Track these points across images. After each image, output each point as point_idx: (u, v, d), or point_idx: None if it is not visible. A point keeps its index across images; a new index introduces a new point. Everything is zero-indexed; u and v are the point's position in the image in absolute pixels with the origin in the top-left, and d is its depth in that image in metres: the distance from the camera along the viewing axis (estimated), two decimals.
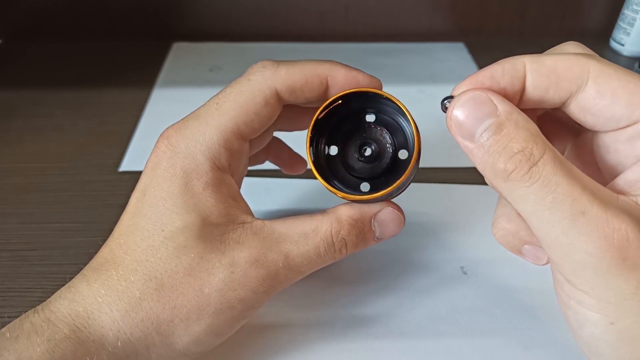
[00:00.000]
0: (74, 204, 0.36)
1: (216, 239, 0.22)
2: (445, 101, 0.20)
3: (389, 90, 0.23)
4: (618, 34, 0.56)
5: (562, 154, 0.23)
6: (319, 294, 0.26)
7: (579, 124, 0.21)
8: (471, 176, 0.36)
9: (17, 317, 0.21)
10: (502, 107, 0.19)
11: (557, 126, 0.24)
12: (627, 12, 0.55)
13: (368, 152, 0.24)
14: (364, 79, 0.24)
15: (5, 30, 0.58)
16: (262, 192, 0.36)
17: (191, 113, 0.23)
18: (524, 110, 0.19)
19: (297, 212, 0.34)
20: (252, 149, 0.26)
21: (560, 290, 0.20)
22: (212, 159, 0.22)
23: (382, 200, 0.24)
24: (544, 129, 0.19)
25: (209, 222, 0.22)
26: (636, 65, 0.52)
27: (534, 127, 0.18)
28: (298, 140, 0.30)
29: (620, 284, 0.17)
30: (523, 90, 0.20)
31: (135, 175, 0.23)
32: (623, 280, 0.17)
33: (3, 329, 0.20)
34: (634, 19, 0.54)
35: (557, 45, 0.22)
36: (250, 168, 0.28)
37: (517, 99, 0.20)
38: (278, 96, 0.23)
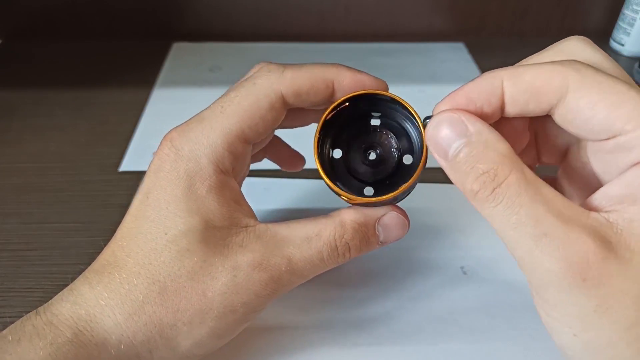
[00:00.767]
0: (74, 204, 0.36)
1: (219, 243, 0.22)
2: (426, 120, 0.21)
3: (389, 90, 0.23)
4: (618, 34, 0.56)
5: (566, 154, 0.23)
6: (319, 295, 0.26)
7: None
8: None
9: (17, 317, 0.21)
10: (473, 127, 0.19)
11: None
12: (627, 12, 0.55)
13: (372, 156, 0.24)
14: (370, 81, 0.23)
15: (5, 30, 0.58)
16: (262, 192, 0.36)
17: (195, 116, 0.23)
18: (512, 120, 0.19)
19: (297, 212, 0.34)
20: (253, 149, 0.26)
21: (533, 297, 0.20)
22: (215, 162, 0.22)
23: (387, 204, 0.24)
24: (547, 128, 0.19)
25: (212, 225, 0.22)
26: (636, 65, 0.52)
27: (504, 146, 0.18)
28: (296, 137, 0.30)
29: (582, 301, 0.17)
30: (503, 105, 0.20)
31: (135, 175, 0.23)
32: (584, 298, 0.17)
33: (4, 331, 0.20)
34: (634, 19, 0.54)
35: (561, 41, 0.21)
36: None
37: (497, 114, 0.20)
38: (283, 100, 0.23)
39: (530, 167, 0.22)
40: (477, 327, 0.27)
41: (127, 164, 0.40)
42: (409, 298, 0.29)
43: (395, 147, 0.24)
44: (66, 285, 0.29)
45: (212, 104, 0.23)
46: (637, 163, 0.18)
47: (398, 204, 0.24)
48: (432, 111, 0.21)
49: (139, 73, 0.52)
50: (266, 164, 0.31)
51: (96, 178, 0.38)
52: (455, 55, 0.56)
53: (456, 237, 0.33)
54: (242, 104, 0.22)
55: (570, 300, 0.17)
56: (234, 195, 0.23)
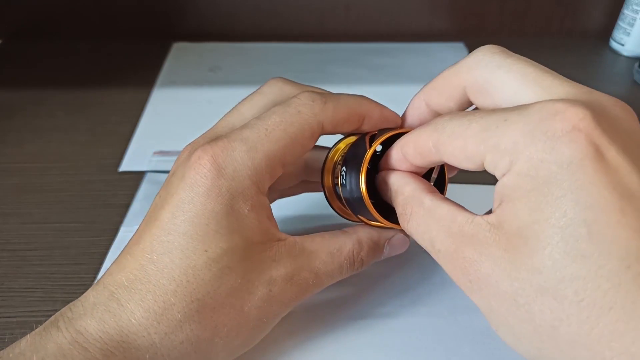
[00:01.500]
0: (74, 204, 0.36)
1: (255, 258, 0.22)
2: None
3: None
4: (618, 34, 0.56)
5: None
6: (320, 294, 0.26)
7: None
8: (471, 176, 0.36)
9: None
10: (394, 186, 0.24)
11: None
12: (627, 12, 0.55)
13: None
14: (392, 116, 0.26)
15: (5, 30, 0.58)
16: None
17: (235, 132, 0.23)
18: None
19: (299, 215, 0.34)
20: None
21: None
22: (257, 183, 0.22)
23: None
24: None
25: (251, 242, 0.22)
26: (636, 65, 0.52)
27: (408, 189, 0.23)
28: None
29: (476, 303, 0.20)
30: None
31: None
32: (476, 301, 0.20)
33: (22, 345, 0.19)
34: (634, 19, 0.54)
35: (472, 53, 0.22)
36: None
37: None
38: (322, 129, 0.24)
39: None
40: (478, 326, 0.27)
41: (127, 164, 0.40)
42: (409, 297, 0.29)
43: None
44: (66, 286, 0.29)
45: (251, 124, 0.23)
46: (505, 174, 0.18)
47: None
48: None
49: (139, 73, 0.52)
50: None
51: (96, 178, 0.38)
52: (455, 55, 0.56)
53: None
54: (287, 131, 0.22)
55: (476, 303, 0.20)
56: (268, 213, 0.23)
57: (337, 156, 0.27)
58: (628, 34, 0.55)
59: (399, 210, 0.23)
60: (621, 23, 0.56)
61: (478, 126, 0.19)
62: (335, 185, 0.26)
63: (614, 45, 0.57)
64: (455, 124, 0.20)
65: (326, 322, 0.27)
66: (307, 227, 0.33)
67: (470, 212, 0.20)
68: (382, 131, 0.25)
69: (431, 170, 0.25)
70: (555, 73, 0.20)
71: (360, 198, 0.24)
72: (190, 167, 0.22)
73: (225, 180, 0.21)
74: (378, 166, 0.25)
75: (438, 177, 0.25)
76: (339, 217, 0.28)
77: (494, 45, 0.21)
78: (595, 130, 0.16)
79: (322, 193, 0.28)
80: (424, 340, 0.26)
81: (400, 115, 0.26)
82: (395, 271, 0.30)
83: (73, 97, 0.48)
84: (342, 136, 0.27)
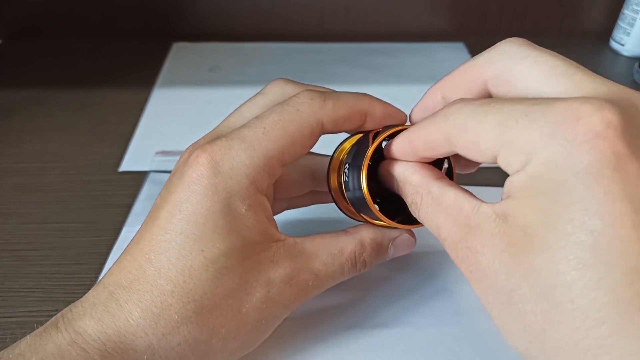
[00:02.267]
0: (74, 204, 0.36)
1: (253, 258, 0.22)
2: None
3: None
4: (618, 34, 0.56)
5: None
6: (319, 297, 0.26)
7: None
8: (473, 177, 0.36)
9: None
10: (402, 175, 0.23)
11: None
12: (627, 12, 0.55)
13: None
14: (396, 112, 0.25)
15: (5, 30, 0.58)
16: None
17: (234, 132, 0.23)
18: None
19: (302, 217, 0.34)
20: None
21: None
22: (255, 182, 0.22)
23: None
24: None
25: (249, 242, 0.22)
26: (636, 65, 0.52)
27: (416, 177, 0.22)
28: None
29: (477, 295, 0.20)
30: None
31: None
32: (477, 293, 0.19)
33: (22, 347, 0.19)
34: (634, 19, 0.54)
35: (497, 44, 0.21)
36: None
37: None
38: (322, 128, 0.23)
39: None
40: (479, 328, 0.27)
41: (127, 164, 0.40)
42: (410, 299, 0.29)
43: None
44: (66, 286, 0.29)
45: (251, 123, 0.23)
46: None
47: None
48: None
49: (139, 73, 0.52)
50: None
51: (96, 178, 0.38)
52: (455, 55, 0.56)
53: None
54: (286, 130, 0.22)
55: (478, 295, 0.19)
56: (267, 213, 0.23)
57: (342, 155, 0.26)
58: (628, 34, 0.55)
59: (408, 200, 0.22)
60: (621, 23, 0.56)
61: (495, 119, 0.18)
62: (340, 184, 0.26)
63: (614, 45, 0.57)
64: (469, 114, 0.19)
65: (326, 326, 0.27)
66: (310, 228, 0.33)
67: (477, 198, 0.19)
68: (386, 128, 0.24)
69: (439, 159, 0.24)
70: (585, 69, 0.18)
71: (362, 196, 0.23)
72: (189, 166, 0.22)
73: (222, 179, 0.21)
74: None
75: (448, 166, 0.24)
76: (344, 218, 0.28)
77: (519, 38, 0.20)
78: (621, 141, 0.15)
79: (330, 202, 0.28)
80: (426, 341, 0.26)
81: (412, 108, 0.25)
82: (394, 272, 0.30)
83: (73, 97, 0.48)
84: (349, 135, 0.27)
